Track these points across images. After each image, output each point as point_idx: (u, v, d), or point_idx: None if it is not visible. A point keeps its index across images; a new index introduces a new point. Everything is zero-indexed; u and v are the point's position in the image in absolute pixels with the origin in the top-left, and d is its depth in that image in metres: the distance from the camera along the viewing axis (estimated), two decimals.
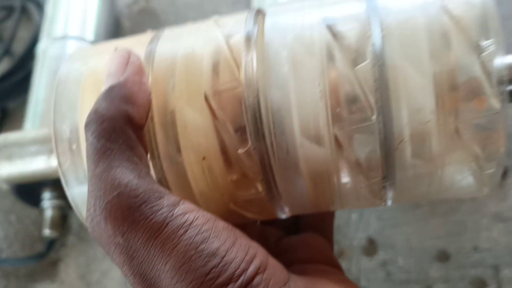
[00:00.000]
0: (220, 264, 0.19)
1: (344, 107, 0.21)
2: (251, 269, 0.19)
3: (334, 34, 0.22)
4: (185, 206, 0.21)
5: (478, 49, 0.21)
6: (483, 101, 0.21)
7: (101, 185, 0.21)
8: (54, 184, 0.57)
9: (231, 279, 0.19)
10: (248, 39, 0.23)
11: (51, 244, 0.58)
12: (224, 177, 0.23)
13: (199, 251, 0.19)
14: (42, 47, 0.66)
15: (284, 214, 0.25)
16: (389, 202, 0.24)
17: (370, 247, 0.52)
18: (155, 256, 0.19)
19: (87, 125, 0.23)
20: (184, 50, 0.24)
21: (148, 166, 0.23)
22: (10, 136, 0.26)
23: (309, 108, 0.22)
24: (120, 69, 0.24)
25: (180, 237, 0.20)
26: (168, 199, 0.21)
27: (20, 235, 0.61)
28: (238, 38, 0.24)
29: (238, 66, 0.23)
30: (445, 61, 0.21)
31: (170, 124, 0.23)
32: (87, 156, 0.22)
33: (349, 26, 0.22)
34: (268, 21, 0.24)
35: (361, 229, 0.53)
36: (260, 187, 0.23)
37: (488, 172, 0.22)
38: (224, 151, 0.23)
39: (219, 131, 0.23)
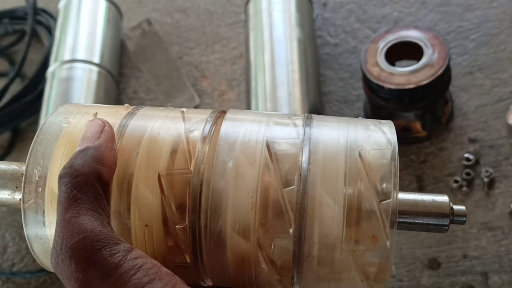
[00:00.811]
0: None
1: (270, 218, 0.26)
2: None
3: (273, 154, 0.27)
4: (136, 253, 0.24)
5: (379, 196, 0.26)
6: (377, 239, 0.26)
7: (69, 228, 0.24)
8: None
9: None
10: (203, 138, 0.28)
11: None
12: (160, 243, 0.28)
13: (151, 286, 0.23)
14: (51, 70, 0.70)
15: (206, 284, 0.30)
16: None
17: None
18: None
19: (62, 177, 0.26)
20: (150, 132, 0.29)
21: (109, 217, 0.27)
22: None
23: (241, 211, 0.27)
24: (95, 135, 0.28)
25: (131, 276, 0.23)
26: (124, 246, 0.24)
27: None
28: (196, 134, 0.29)
29: (191, 157, 0.28)
30: (355, 200, 0.26)
31: (126, 190, 0.28)
32: (59, 202, 0.26)
33: (286, 150, 0.28)
34: (224, 127, 0.29)
35: None
36: (188, 259, 0.28)
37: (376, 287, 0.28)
38: (165, 223, 0.27)
39: (164, 207, 0.27)
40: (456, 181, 0.55)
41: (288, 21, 0.63)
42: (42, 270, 0.61)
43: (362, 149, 0.27)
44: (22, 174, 0.30)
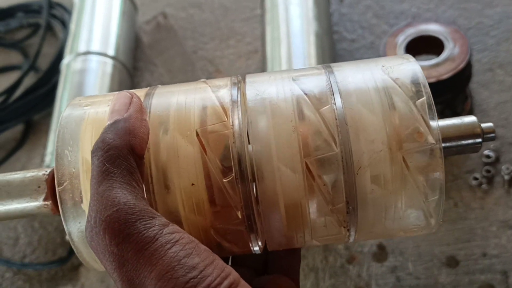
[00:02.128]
0: (199, 276, 0.22)
1: (312, 141, 0.26)
2: (225, 283, 0.22)
3: (302, 88, 0.28)
4: (173, 227, 0.24)
5: (413, 98, 0.27)
6: (421, 135, 0.26)
7: (102, 201, 0.24)
8: None
9: None
10: (231, 94, 0.29)
11: (72, 249, 0.61)
12: (207, 204, 0.27)
13: (182, 264, 0.22)
14: (66, 62, 0.69)
15: (257, 247, 0.29)
16: (352, 235, 0.29)
17: (380, 253, 0.53)
18: (143, 265, 0.22)
19: (94, 151, 0.26)
20: (177, 103, 0.29)
21: (143, 191, 0.26)
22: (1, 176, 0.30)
23: (284, 141, 0.26)
24: (124, 107, 0.28)
25: (167, 250, 0.23)
26: (160, 220, 0.24)
27: (43, 241, 0.64)
28: (224, 92, 0.28)
29: (225, 111, 0.28)
30: (390, 104, 0.27)
31: (162, 158, 0.27)
32: (92, 176, 0.25)
33: (313, 84, 0.28)
34: (248, 79, 0.29)
35: None
36: (240, 215, 0.27)
37: (432, 199, 0.27)
38: (209, 180, 0.27)
39: (206, 163, 0.27)
40: (476, 178, 0.54)
41: (305, 15, 0.62)
42: (53, 262, 0.61)
43: (385, 67, 0.28)
44: (44, 174, 0.30)
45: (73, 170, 0.28)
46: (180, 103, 0.28)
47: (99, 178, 0.25)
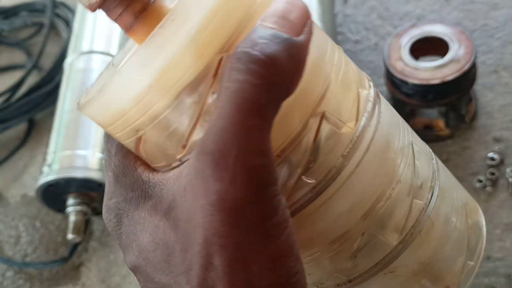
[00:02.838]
0: (301, 271, 0.20)
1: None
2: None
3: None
4: (286, 206, 0.20)
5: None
6: None
7: (251, 141, 0.18)
8: (78, 190, 0.60)
9: None
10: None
11: (74, 248, 0.61)
12: None
13: (291, 251, 0.19)
14: (69, 61, 0.69)
15: None
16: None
17: None
18: (258, 241, 0.19)
19: (251, 60, 0.18)
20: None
21: None
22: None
23: None
24: (300, 23, 0.19)
25: (284, 229, 0.19)
26: (279, 189, 0.20)
27: (44, 240, 0.64)
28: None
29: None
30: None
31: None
32: (242, 97, 0.18)
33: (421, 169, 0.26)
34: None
35: None
36: None
37: None
38: None
39: None
40: (480, 181, 0.54)
41: None
42: (55, 261, 0.61)
43: None
44: None
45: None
46: None
47: (252, 108, 0.18)
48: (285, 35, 0.19)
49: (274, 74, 0.18)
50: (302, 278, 0.20)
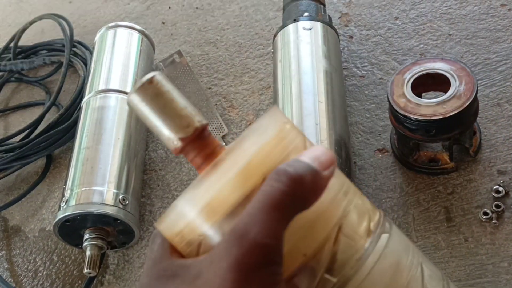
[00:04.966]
0: None
1: None
2: None
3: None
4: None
5: None
6: None
7: (269, 226, 0.25)
8: (94, 225, 0.62)
9: None
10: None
11: (89, 282, 0.62)
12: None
13: None
14: (86, 99, 0.72)
15: None
16: None
17: None
18: None
19: (283, 174, 0.26)
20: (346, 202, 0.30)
21: None
22: (168, 85, 0.29)
23: None
24: (325, 165, 0.27)
25: None
26: (282, 273, 0.26)
27: (61, 273, 0.66)
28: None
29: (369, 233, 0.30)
30: None
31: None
32: (271, 196, 0.25)
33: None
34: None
35: None
36: None
37: None
38: (314, 268, 0.28)
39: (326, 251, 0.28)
40: (486, 214, 0.55)
41: (315, 53, 0.64)
42: None
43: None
44: (199, 122, 0.29)
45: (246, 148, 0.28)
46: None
47: (277, 204, 0.25)
48: (315, 167, 0.26)
49: (298, 188, 0.25)
50: None
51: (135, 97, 0.28)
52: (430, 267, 0.33)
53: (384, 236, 0.30)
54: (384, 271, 0.29)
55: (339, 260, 0.28)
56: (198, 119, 0.29)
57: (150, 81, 0.28)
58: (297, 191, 0.25)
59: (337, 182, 0.29)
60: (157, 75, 0.29)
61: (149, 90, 0.28)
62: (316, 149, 0.28)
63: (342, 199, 0.29)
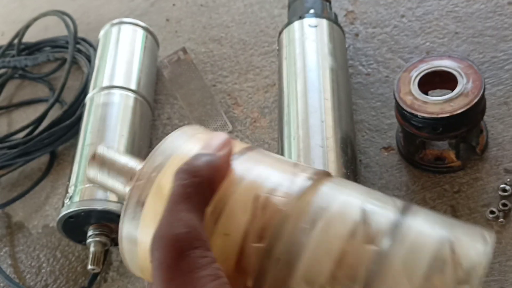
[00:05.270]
0: None
1: (341, 271, 0.26)
2: None
3: (365, 219, 0.28)
4: (218, 266, 0.26)
5: (459, 282, 0.25)
6: None
7: (178, 218, 0.26)
8: (98, 221, 0.61)
9: None
10: (301, 190, 0.30)
11: (93, 279, 0.62)
12: (231, 258, 0.29)
13: None
14: (90, 95, 0.72)
15: None
16: None
17: None
18: (188, 285, 0.25)
19: (180, 172, 0.28)
20: (255, 174, 0.30)
21: (204, 223, 0.28)
22: (110, 153, 0.36)
23: (318, 255, 0.27)
24: (219, 146, 0.30)
25: (211, 281, 0.25)
26: (212, 254, 0.26)
27: (64, 270, 0.65)
28: (299, 180, 0.30)
29: (289, 197, 0.29)
30: (432, 281, 0.25)
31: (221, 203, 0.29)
32: (173, 194, 0.27)
33: (377, 220, 0.28)
34: (324, 189, 0.30)
35: None
36: (250, 283, 0.28)
37: None
38: (244, 240, 0.28)
39: (248, 224, 0.28)
40: (493, 212, 0.54)
41: (320, 51, 0.64)
42: None
43: (454, 237, 0.27)
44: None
45: (153, 175, 0.31)
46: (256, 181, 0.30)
47: (179, 198, 0.27)
48: (205, 152, 0.30)
49: (196, 175, 0.28)
50: None
51: (89, 172, 0.35)
52: (374, 202, 0.30)
53: (309, 184, 0.30)
54: (314, 222, 0.28)
55: (268, 228, 0.28)
56: (137, 169, 0.34)
57: (93, 156, 0.35)
58: (196, 179, 0.28)
59: (250, 159, 0.31)
60: (99, 149, 0.35)
61: (95, 163, 0.35)
62: (208, 138, 0.31)
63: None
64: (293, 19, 0.68)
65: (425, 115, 0.53)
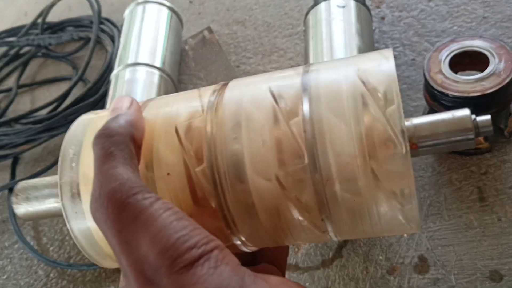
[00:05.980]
0: (188, 235, 0.25)
1: (283, 153, 0.27)
2: (212, 244, 0.25)
3: (276, 98, 0.29)
4: (165, 201, 0.27)
5: (382, 106, 0.26)
6: (389, 147, 0.26)
7: (106, 176, 0.27)
8: None
9: (194, 246, 0.24)
10: (213, 91, 0.32)
11: None
12: (184, 192, 0.29)
13: (173, 225, 0.25)
14: (115, 72, 0.73)
15: (245, 247, 0.31)
16: (333, 236, 0.29)
17: (422, 265, 0.53)
18: (139, 228, 0.25)
19: (98, 137, 0.29)
20: (164, 111, 0.32)
21: (139, 175, 0.29)
22: (29, 182, 0.37)
23: (257, 151, 0.28)
24: (126, 105, 0.32)
25: (160, 215, 0.25)
26: (156, 195, 0.27)
27: None
28: (206, 101, 0.31)
29: (203, 109, 0.30)
30: (360, 113, 0.26)
31: (149, 151, 0.31)
32: (96, 158, 0.28)
33: (287, 90, 0.29)
34: (231, 84, 0.32)
35: (412, 248, 0.54)
36: (213, 203, 0.28)
37: (408, 207, 0.27)
38: (187, 171, 0.29)
39: (184, 155, 0.29)
40: None
41: (348, 31, 0.64)
42: None
43: (360, 70, 0.28)
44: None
45: (73, 165, 0.32)
46: (168, 112, 0.32)
47: (104, 159, 0.27)
48: (113, 116, 0.30)
49: (112, 136, 0.29)
50: (190, 238, 0.25)
51: (18, 210, 0.36)
52: (276, 78, 0.31)
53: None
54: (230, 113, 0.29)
55: (201, 149, 0.29)
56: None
57: (15, 195, 0.36)
58: (115, 138, 0.28)
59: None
60: (17, 186, 0.37)
61: (20, 199, 0.36)
62: (112, 106, 0.32)
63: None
64: (320, 0, 0.68)
65: (456, 93, 0.52)
